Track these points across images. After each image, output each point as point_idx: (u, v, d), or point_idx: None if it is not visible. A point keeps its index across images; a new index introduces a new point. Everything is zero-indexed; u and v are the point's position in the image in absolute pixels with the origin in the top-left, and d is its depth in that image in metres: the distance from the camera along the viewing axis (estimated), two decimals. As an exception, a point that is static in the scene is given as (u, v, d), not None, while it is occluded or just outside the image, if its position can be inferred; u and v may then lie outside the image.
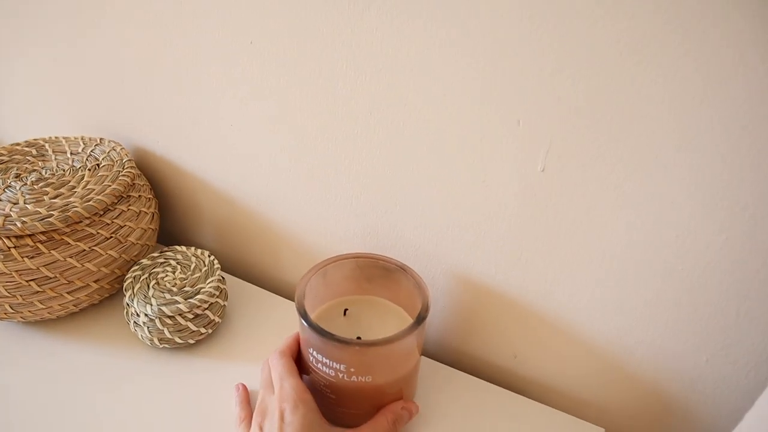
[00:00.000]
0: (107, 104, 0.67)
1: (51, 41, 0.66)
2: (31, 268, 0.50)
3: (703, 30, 0.33)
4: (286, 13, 0.47)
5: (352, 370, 0.42)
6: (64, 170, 0.59)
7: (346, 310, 0.50)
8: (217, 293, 0.54)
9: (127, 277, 0.55)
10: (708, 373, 0.45)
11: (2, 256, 0.49)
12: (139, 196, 0.60)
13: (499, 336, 0.53)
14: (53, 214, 0.51)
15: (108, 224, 0.55)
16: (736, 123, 0.35)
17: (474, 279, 0.51)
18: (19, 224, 0.49)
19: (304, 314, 0.43)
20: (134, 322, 0.52)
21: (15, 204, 0.52)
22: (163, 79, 0.59)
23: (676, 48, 0.34)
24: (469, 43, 0.41)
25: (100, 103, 0.67)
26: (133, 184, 0.59)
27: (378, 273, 0.50)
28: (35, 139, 0.64)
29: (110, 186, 0.56)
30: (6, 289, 0.50)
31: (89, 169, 0.59)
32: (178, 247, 0.59)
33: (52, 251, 0.51)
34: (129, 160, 0.61)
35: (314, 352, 0.43)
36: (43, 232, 0.51)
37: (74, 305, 0.55)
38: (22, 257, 0.50)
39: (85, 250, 0.53)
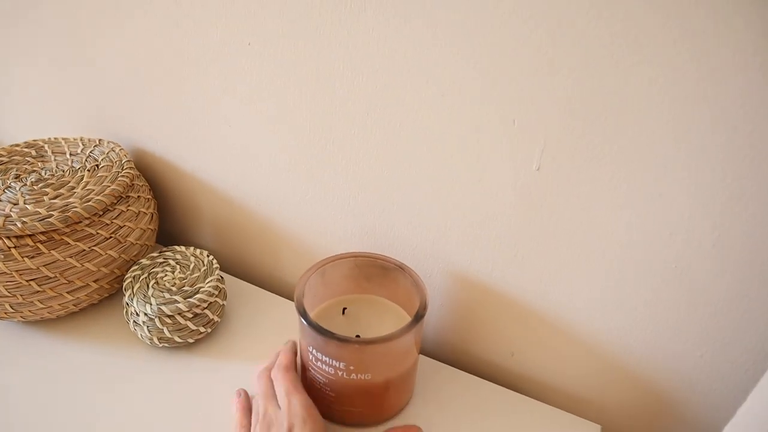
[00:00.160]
0: (106, 105, 0.67)
1: (50, 43, 0.66)
2: (31, 268, 0.50)
3: (700, 29, 0.33)
4: (283, 14, 0.48)
5: (352, 367, 0.43)
6: (63, 171, 0.59)
7: (344, 309, 0.50)
8: (216, 293, 0.54)
9: (126, 276, 0.55)
10: (705, 370, 0.45)
11: (2, 256, 0.50)
12: (138, 196, 0.60)
13: (496, 334, 0.54)
14: (53, 215, 0.51)
15: (107, 224, 0.55)
16: (732, 121, 0.35)
17: (471, 278, 0.52)
18: (19, 224, 0.49)
19: (303, 313, 0.43)
20: (134, 321, 0.53)
21: (15, 204, 0.52)
22: (161, 80, 0.59)
23: (671, 47, 0.35)
24: (464, 43, 0.41)
25: (99, 104, 0.67)
26: (132, 184, 0.60)
27: (376, 272, 0.50)
28: (34, 140, 0.64)
29: (109, 186, 0.56)
30: (6, 289, 0.50)
31: (88, 170, 0.59)
32: (177, 247, 0.59)
33: (52, 251, 0.51)
34: (128, 160, 0.61)
35: (314, 351, 0.44)
36: (43, 232, 0.51)
37: (74, 305, 0.55)
38: (22, 257, 0.50)
39: (84, 250, 0.53)
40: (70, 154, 0.62)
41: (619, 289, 0.45)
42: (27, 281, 0.51)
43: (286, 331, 0.56)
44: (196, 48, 0.55)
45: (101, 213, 0.55)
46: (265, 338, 0.56)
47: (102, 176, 0.58)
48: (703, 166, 0.37)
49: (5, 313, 0.52)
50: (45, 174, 0.58)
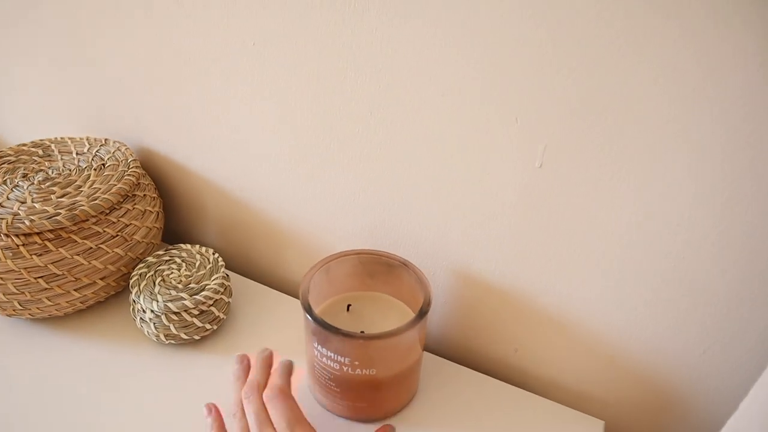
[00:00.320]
0: (111, 105, 0.67)
1: (55, 43, 0.67)
2: (39, 266, 0.51)
3: (701, 27, 0.34)
4: (288, 14, 0.48)
5: (357, 363, 0.43)
6: (70, 170, 0.60)
7: (349, 305, 0.51)
8: (222, 290, 0.55)
9: (133, 274, 0.55)
10: (706, 366, 0.45)
11: (11, 254, 0.50)
12: (144, 195, 0.61)
13: (500, 331, 0.54)
14: (60, 213, 0.52)
15: (114, 223, 0.56)
16: (732, 120, 0.35)
17: (474, 275, 0.52)
18: (27, 222, 0.50)
19: (308, 309, 0.44)
20: (140, 318, 0.53)
21: (23, 203, 0.53)
22: (166, 81, 0.60)
23: (672, 44, 0.35)
24: (467, 42, 0.41)
25: (105, 104, 0.68)
26: (138, 183, 0.60)
27: (380, 269, 0.51)
28: (41, 140, 0.65)
29: (116, 185, 0.57)
30: (15, 286, 0.51)
31: (95, 169, 0.60)
32: (182, 245, 0.60)
33: (59, 249, 0.52)
34: (134, 159, 0.62)
35: (319, 346, 0.44)
36: (50, 230, 0.51)
37: (81, 302, 0.55)
38: (30, 255, 0.51)
39: (91, 247, 0.54)
40: (77, 154, 0.63)
41: (621, 285, 0.45)
42: (35, 278, 0.51)
43: (291, 329, 0.56)
44: (198, 48, 0.55)
45: (108, 211, 0.55)
46: (269, 335, 0.57)
47: (108, 175, 0.58)
48: (703, 165, 0.38)
49: (14, 310, 0.53)
50: (52, 173, 0.59)
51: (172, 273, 0.55)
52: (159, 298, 0.52)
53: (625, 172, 0.40)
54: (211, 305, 0.54)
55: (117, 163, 0.61)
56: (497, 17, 0.39)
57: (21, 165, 0.60)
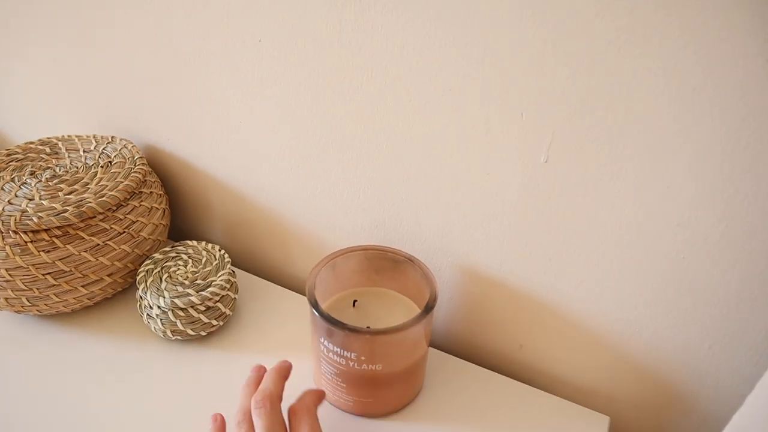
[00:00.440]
0: (118, 103, 0.68)
1: (62, 42, 0.67)
2: (47, 262, 0.51)
3: (702, 22, 0.34)
4: (293, 11, 0.48)
5: (363, 358, 0.43)
6: (77, 167, 0.60)
7: (355, 301, 0.51)
8: (228, 286, 0.55)
9: (140, 270, 0.56)
10: (712, 361, 0.45)
11: (20, 251, 0.51)
12: (151, 192, 0.61)
13: (505, 326, 0.54)
14: (68, 210, 0.52)
15: (121, 219, 0.56)
16: (737, 115, 0.35)
17: (480, 271, 0.52)
18: (35, 219, 0.50)
19: (315, 304, 0.44)
20: (147, 314, 0.54)
21: (31, 200, 0.53)
22: (172, 78, 0.60)
23: (675, 40, 0.35)
24: (471, 39, 0.41)
25: (111, 103, 0.68)
26: (145, 180, 0.61)
27: (386, 264, 0.51)
28: (48, 138, 0.65)
29: (123, 182, 0.57)
30: (23, 283, 0.51)
31: (102, 166, 0.60)
32: (189, 242, 0.60)
33: (67, 245, 0.52)
34: (140, 157, 0.62)
35: (325, 341, 0.44)
36: (58, 227, 0.52)
37: (88, 299, 0.56)
38: (38, 251, 0.51)
39: (99, 244, 0.54)
40: (84, 151, 0.63)
41: (626, 281, 0.45)
42: (43, 275, 0.52)
43: (297, 324, 0.56)
44: (206, 46, 0.55)
45: (115, 208, 0.56)
46: (275, 331, 0.57)
47: (115, 172, 0.59)
48: (703, 165, 0.38)
49: (22, 306, 0.53)
50: (59, 170, 0.59)
51: (178, 269, 0.56)
52: (166, 294, 0.52)
53: (631, 165, 0.40)
54: (218, 301, 0.54)
55: (123, 160, 0.61)
56: (501, 13, 0.39)
57: (29, 163, 0.61)
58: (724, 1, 0.33)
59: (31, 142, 0.64)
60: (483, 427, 0.48)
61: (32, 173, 0.58)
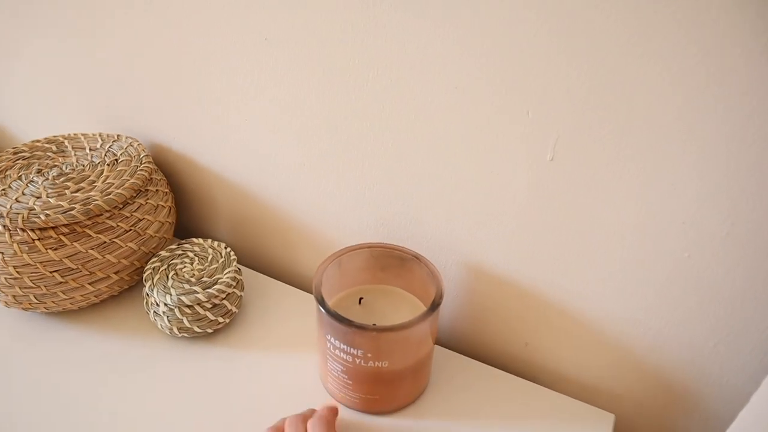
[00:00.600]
0: (124, 102, 0.68)
1: (68, 40, 0.67)
2: (54, 260, 0.52)
3: (707, 22, 0.34)
4: (299, 10, 0.48)
5: (369, 355, 0.43)
6: (83, 165, 0.60)
7: (361, 298, 0.51)
8: (234, 284, 0.55)
9: (146, 268, 0.56)
10: (717, 359, 0.45)
11: (27, 248, 0.51)
12: (157, 190, 0.62)
13: (510, 324, 0.54)
14: (75, 207, 0.52)
15: (127, 217, 0.56)
16: (740, 112, 0.35)
17: (485, 269, 0.52)
18: (43, 217, 0.51)
19: (321, 301, 0.44)
20: (154, 311, 0.54)
21: (38, 198, 0.54)
22: (178, 77, 0.60)
23: (680, 39, 0.35)
24: (477, 37, 0.42)
25: (117, 101, 0.68)
26: (151, 178, 0.61)
27: (392, 262, 0.51)
28: (55, 136, 0.66)
29: (129, 180, 0.57)
30: (31, 280, 0.52)
31: (108, 164, 0.60)
32: (195, 240, 0.60)
33: (74, 243, 0.52)
34: (146, 155, 0.62)
35: (332, 339, 0.45)
36: (65, 225, 0.52)
37: (95, 296, 0.56)
38: (46, 249, 0.51)
39: (105, 242, 0.54)
40: (90, 149, 0.64)
41: (631, 279, 0.46)
42: (50, 272, 0.52)
43: (303, 322, 0.57)
44: (212, 44, 0.55)
45: (121, 206, 0.56)
46: (281, 328, 0.57)
47: (121, 170, 0.59)
48: (709, 164, 0.38)
49: (29, 304, 0.54)
50: (66, 168, 0.59)
51: (185, 267, 0.56)
52: (172, 291, 0.53)
53: (637, 163, 0.40)
54: (224, 299, 0.54)
55: (130, 158, 0.61)
56: (509, 10, 0.39)
57: (35, 161, 0.61)
58: (729, 1, 0.33)
59: (38, 141, 0.64)
60: (488, 425, 0.48)
61: (39, 171, 0.59)
